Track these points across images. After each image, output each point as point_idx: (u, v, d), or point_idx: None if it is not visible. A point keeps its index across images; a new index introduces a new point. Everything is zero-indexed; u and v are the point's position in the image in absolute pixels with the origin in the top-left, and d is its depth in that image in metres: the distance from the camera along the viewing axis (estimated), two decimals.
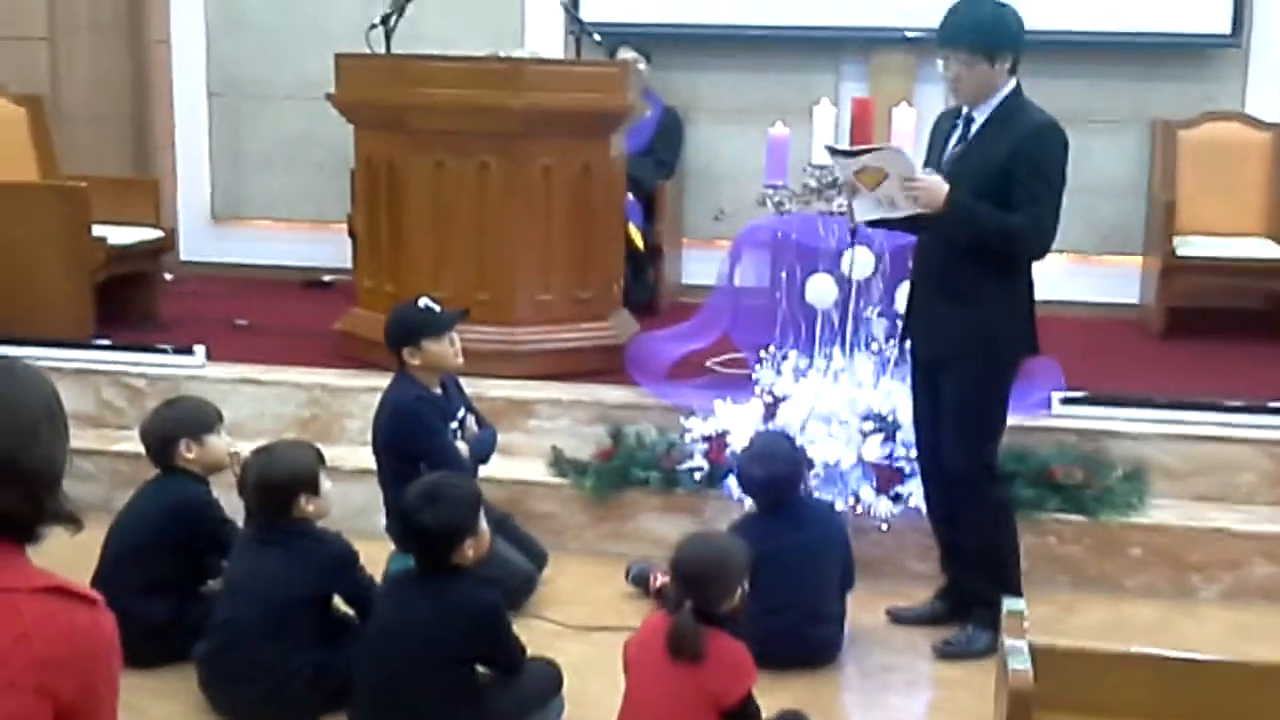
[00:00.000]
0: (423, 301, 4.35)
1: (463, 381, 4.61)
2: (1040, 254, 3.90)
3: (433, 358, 4.29)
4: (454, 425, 4.33)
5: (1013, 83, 3.91)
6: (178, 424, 4.10)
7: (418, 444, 4.19)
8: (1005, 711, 1.92)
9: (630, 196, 6.41)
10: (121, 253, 6.03)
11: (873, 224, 4.10)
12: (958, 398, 3.96)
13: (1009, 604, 2.15)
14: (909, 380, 4.30)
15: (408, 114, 5.29)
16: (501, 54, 5.52)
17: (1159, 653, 2.14)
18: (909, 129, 4.87)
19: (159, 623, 3.89)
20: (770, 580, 3.97)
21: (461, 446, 4.30)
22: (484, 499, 4.09)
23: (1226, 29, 6.62)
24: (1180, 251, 6.28)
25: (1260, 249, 6.36)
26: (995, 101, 3.89)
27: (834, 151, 4.14)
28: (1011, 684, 1.92)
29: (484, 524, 3.50)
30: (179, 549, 3.98)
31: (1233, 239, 6.41)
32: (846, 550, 4.15)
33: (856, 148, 4.22)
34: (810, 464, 4.54)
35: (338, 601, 3.79)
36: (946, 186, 3.84)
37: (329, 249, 7.11)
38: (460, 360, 4.35)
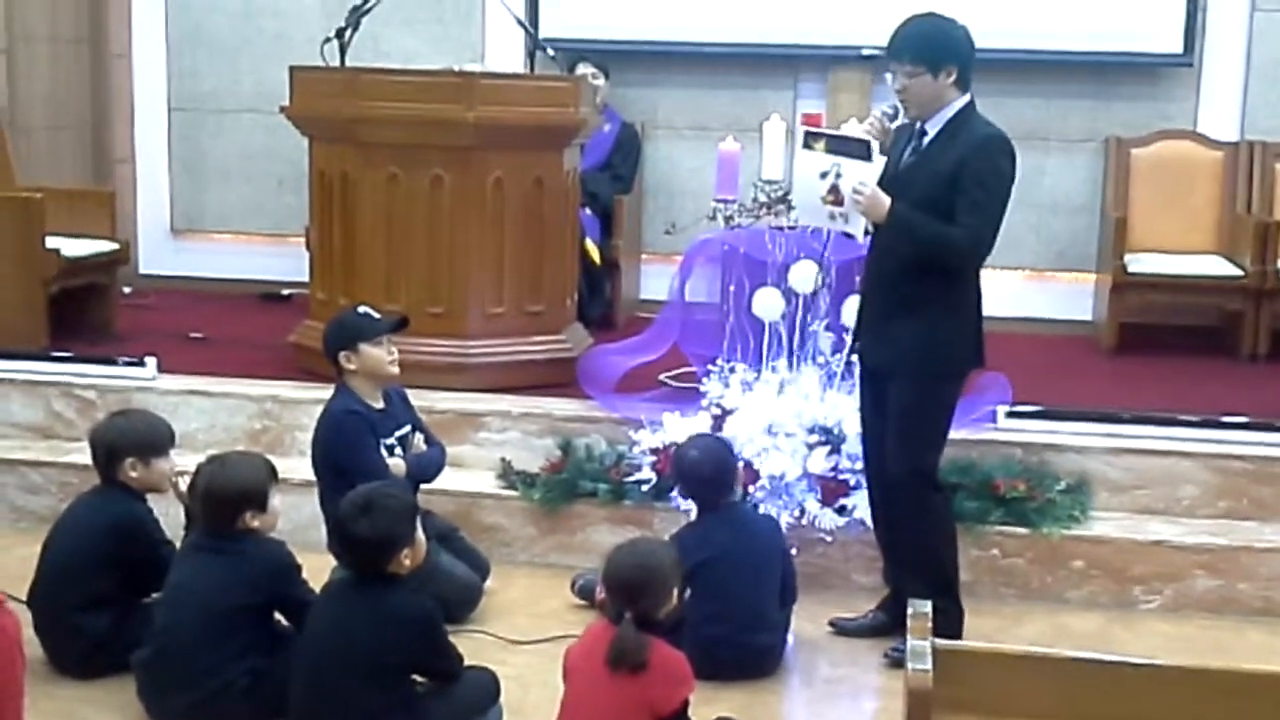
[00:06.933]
0: (361, 308, 4.37)
1: (413, 394, 4.61)
2: (977, 263, 3.94)
3: (370, 362, 4.27)
4: (390, 441, 4.30)
5: (965, 98, 3.95)
6: (128, 440, 4.03)
7: (343, 459, 4.18)
8: (905, 713, 1.94)
9: (588, 212, 6.45)
10: (75, 264, 6.02)
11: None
12: (901, 406, 3.99)
13: (914, 606, 2.17)
14: (857, 389, 4.34)
15: (360, 127, 5.31)
16: (455, 68, 5.55)
17: (1061, 653, 2.16)
18: None
19: (101, 636, 3.89)
20: (709, 587, 3.99)
21: (397, 463, 4.26)
22: (430, 512, 4.10)
23: (1179, 48, 6.69)
24: (1132, 268, 6.33)
25: (1211, 266, 6.41)
26: (947, 115, 3.94)
27: (813, 134, 4.07)
28: (910, 684, 1.95)
29: (420, 534, 3.50)
30: (117, 565, 3.93)
31: (1184, 256, 6.47)
32: (787, 560, 4.17)
33: (833, 132, 4.19)
34: (756, 475, 4.57)
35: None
36: (889, 200, 3.89)
37: (288, 262, 7.09)
38: (396, 370, 4.34)
